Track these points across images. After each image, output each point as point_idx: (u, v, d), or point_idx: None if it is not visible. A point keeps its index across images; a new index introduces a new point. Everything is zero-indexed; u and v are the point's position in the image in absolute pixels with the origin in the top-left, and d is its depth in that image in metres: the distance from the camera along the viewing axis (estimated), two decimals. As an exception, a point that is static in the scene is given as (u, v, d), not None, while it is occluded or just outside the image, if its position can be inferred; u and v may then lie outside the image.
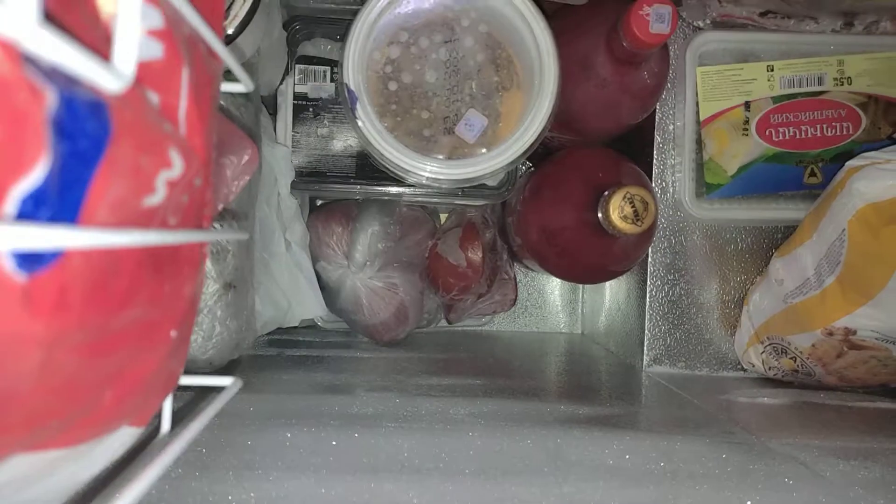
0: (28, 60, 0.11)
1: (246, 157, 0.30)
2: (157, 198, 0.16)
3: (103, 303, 0.14)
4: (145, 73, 0.16)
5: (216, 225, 0.37)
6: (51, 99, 0.12)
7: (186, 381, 0.23)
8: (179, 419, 0.27)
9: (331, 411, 0.44)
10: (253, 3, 0.40)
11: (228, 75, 0.28)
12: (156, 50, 0.16)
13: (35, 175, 0.12)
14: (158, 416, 0.26)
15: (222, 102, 0.41)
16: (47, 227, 0.12)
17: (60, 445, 0.17)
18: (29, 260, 0.12)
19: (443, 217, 0.76)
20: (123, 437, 0.20)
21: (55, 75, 0.12)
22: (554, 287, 0.83)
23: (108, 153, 0.13)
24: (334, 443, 0.37)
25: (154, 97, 0.17)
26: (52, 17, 0.12)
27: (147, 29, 0.16)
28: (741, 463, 0.38)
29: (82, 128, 0.13)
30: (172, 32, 0.17)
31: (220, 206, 0.30)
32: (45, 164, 0.12)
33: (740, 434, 0.44)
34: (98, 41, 0.14)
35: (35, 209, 0.12)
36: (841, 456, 0.40)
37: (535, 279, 0.83)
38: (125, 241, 0.14)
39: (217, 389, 0.28)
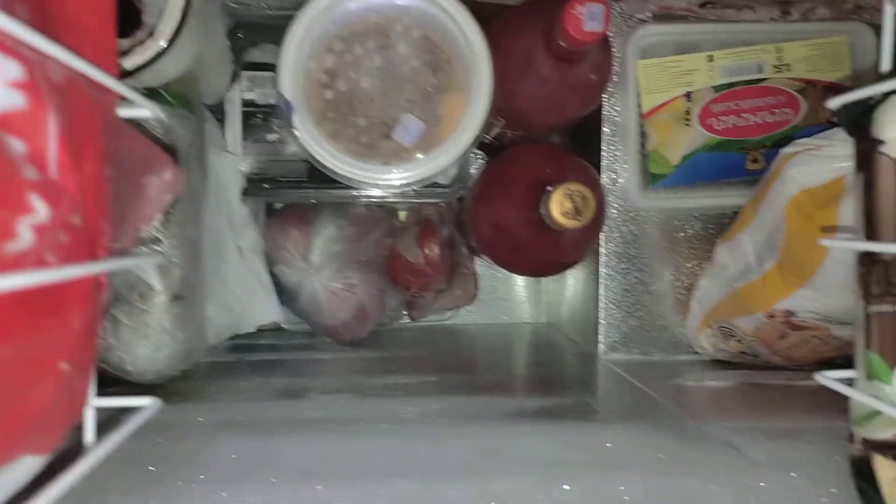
0: None
1: (167, 176, 0.31)
2: (22, 243, 0.17)
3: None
4: (6, 123, 0.16)
5: (143, 249, 0.38)
6: None
7: (101, 402, 0.24)
8: (109, 430, 0.28)
9: (280, 416, 0.45)
10: (180, 19, 0.40)
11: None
12: (17, 100, 0.17)
13: None
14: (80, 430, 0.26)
15: (157, 120, 0.41)
16: None
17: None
18: None
19: (402, 215, 0.77)
20: (25, 466, 0.21)
21: None
22: (517, 278, 0.84)
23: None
24: (277, 450, 0.38)
25: (19, 144, 0.17)
26: None
27: (6, 81, 0.16)
28: (675, 449, 0.39)
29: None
30: (36, 82, 0.17)
31: (142, 228, 0.30)
32: None
33: (680, 419, 0.45)
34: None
35: None
36: (773, 437, 0.41)
37: (498, 271, 0.83)
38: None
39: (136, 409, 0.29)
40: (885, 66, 0.29)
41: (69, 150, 0.19)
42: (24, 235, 0.17)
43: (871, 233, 0.28)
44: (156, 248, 0.40)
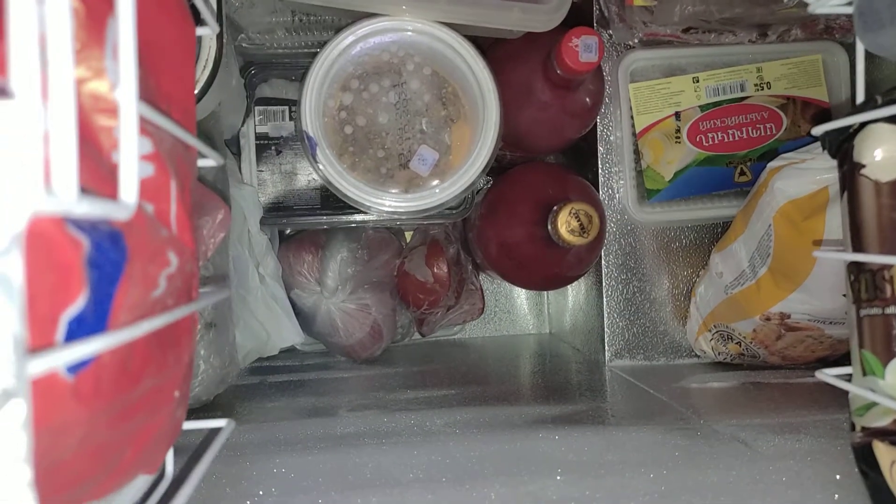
0: (67, 221, 0.15)
1: (220, 217, 0.34)
2: (160, 291, 0.20)
3: (125, 382, 0.18)
4: (143, 191, 0.19)
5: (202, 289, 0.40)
6: (86, 246, 0.15)
7: (186, 426, 0.27)
8: (178, 455, 0.30)
9: (316, 434, 0.47)
10: (213, 68, 0.43)
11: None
12: (148, 169, 0.20)
13: (77, 304, 0.15)
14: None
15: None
16: (88, 341, 0.15)
17: (92, 499, 0.20)
18: (75, 365, 0.15)
19: (408, 235, 0.80)
20: (139, 485, 0.23)
21: (84, 223, 0.15)
22: (520, 292, 0.88)
23: (125, 271, 0.17)
24: (321, 465, 0.41)
25: (150, 208, 0.20)
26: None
27: (141, 155, 0.19)
28: (689, 447, 0.42)
29: (107, 258, 0.16)
30: (160, 152, 0.20)
31: (200, 265, 0.33)
32: (84, 294, 0.15)
33: (691, 419, 0.49)
34: (104, 175, 0.17)
35: (78, 328, 0.15)
36: (777, 431, 0.44)
37: (502, 286, 0.87)
38: (139, 332, 0.18)
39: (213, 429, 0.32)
40: (860, 97, 0.32)
41: (183, 207, 0.21)
42: (161, 284, 0.20)
43: (858, 245, 0.31)
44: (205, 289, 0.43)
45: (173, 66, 0.23)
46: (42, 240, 0.14)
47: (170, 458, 0.29)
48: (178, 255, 0.21)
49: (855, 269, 0.32)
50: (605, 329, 0.67)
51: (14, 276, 0.12)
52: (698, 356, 0.67)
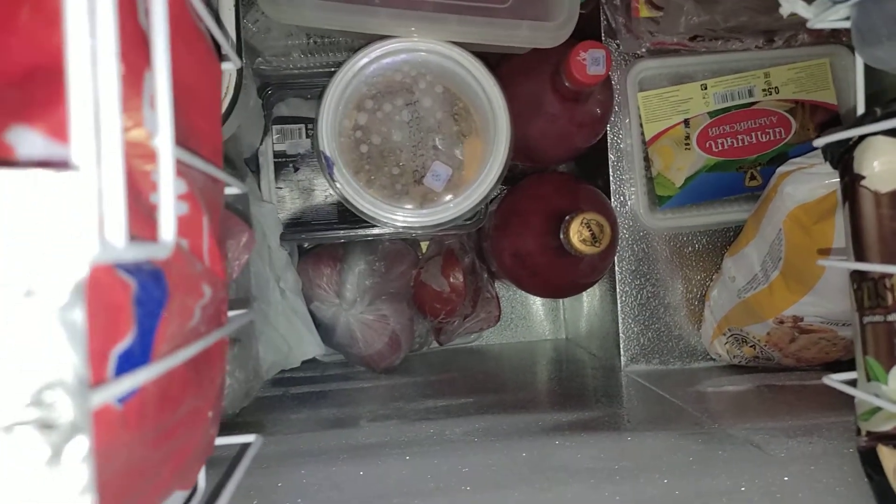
0: (117, 266, 0.16)
1: (244, 239, 0.35)
2: (195, 321, 0.21)
3: (167, 407, 0.19)
4: (178, 228, 0.21)
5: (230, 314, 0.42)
6: (133, 287, 0.17)
7: (218, 441, 0.28)
8: (208, 469, 0.32)
9: (339, 445, 0.49)
10: (234, 95, 0.45)
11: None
12: (183, 208, 0.22)
13: (126, 340, 0.17)
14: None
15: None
16: (136, 373, 0.17)
17: (133, 515, 0.22)
18: (123, 396, 0.17)
19: (424, 246, 0.81)
20: (176, 500, 0.25)
21: (131, 265, 0.17)
22: (536, 298, 0.89)
23: (167, 306, 0.19)
24: (345, 476, 0.42)
25: (185, 242, 0.22)
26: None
27: (177, 195, 0.21)
28: (703, 452, 0.43)
29: (151, 296, 0.18)
30: (193, 191, 0.22)
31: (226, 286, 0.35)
32: (133, 331, 0.17)
33: (706, 424, 0.49)
34: (144, 216, 0.19)
35: (126, 362, 0.17)
36: (791, 434, 0.45)
37: (518, 293, 0.88)
38: (178, 361, 0.19)
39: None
40: (861, 110, 0.33)
41: (214, 239, 0.23)
42: (197, 315, 0.21)
43: (860, 254, 0.32)
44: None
45: (202, 104, 0.25)
46: (97, 285, 0.15)
47: (202, 473, 0.31)
48: (211, 287, 0.22)
49: (858, 277, 0.33)
50: (621, 334, 0.68)
51: (78, 320, 0.13)
52: (714, 359, 0.68)
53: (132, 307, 0.17)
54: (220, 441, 0.31)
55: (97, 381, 0.16)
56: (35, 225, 0.13)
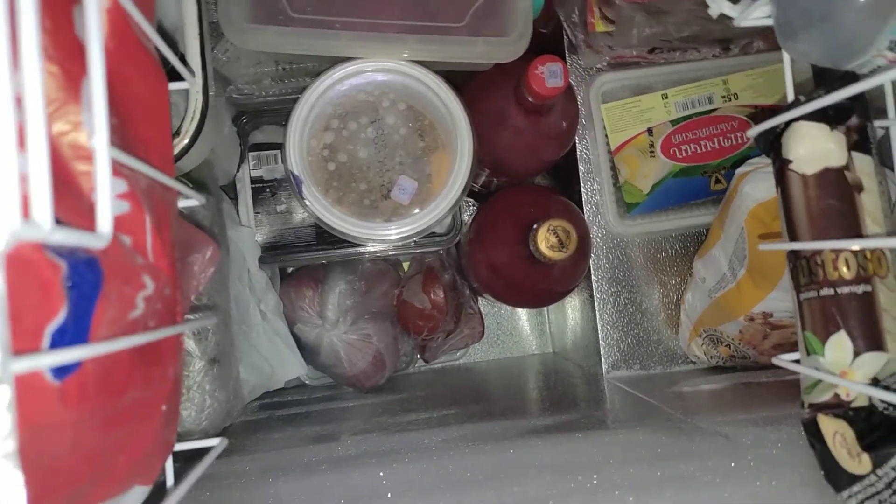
0: (46, 247, 0.18)
1: (209, 253, 0.37)
2: (138, 311, 0.22)
3: (110, 390, 0.20)
4: (119, 225, 0.22)
5: (189, 316, 0.43)
6: (64, 268, 0.18)
7: (181, 446, 0.29)
8: (181, 476, 0.33)
9: (318, 458, 0.49)
10: (200, 118, 0.47)
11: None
12: (124, 206, 0.23)
13: (59, 317, 0.18)
14: (164, 475, 0.31)
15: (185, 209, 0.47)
16: (69, 350, 0.18)
17: (89, 504, 0.23)
18: (60, 371, 0.18)
19: (405, 266, 0.83)
20: (136, 495, 0.26)
21: (63, 249, 0.18)
22: (522, 313, 0.90)
23: (102, 291, 0.20)
24: (321, 485, 0.43)
25: (127, 239, 0.23)
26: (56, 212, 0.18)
27: (116, 194, 0.22)
28: (671, 443, 0.44)
29: (84, 279, 0.19)
30: (135, 191, 0.23)
31: (192, 298, 0.36)
32: (64, 309, 0.18)
33: (677, 419, 0.50)
34: (85, 212, 0.20)
35: (61, 338, 0.18)
36: (759, 425, 0.46)
37: (504, 309, 0.89)
38: (118, 346, 0.20)
39: (208, 449, 0.34)
40: (790, 98, 0.35)
41: (159, 239, 0.24)
42: (140, 305, 0.23)
43: (793, 234, 0.34)
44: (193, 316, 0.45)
45: (150, 116, 0.26)
46: (24, 262, 0.17)
47: (169, 472, 0.32)
48: (153, 280, 0.23)
49: (793, 257, 0.34)
50: (601, 341, 0.69)
51: (-1, 289, 0.15)
52: (693, 362, 0.69)
53: (62, 287, 0.18)
54: (184, 446, 0.31)
55: (29, 350, 0.17)
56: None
